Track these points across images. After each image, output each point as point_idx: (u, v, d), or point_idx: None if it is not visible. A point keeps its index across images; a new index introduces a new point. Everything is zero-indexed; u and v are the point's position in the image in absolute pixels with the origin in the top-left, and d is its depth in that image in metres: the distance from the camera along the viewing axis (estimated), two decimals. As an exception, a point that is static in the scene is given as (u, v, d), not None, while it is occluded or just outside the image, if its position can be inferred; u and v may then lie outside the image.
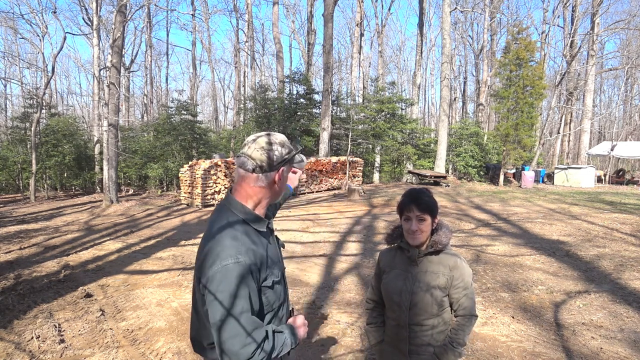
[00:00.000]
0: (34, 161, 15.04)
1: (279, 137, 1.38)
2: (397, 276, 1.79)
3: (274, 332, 1.33)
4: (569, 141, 29.98)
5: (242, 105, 23.65)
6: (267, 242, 1.40)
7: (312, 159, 15.59)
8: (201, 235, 1.47)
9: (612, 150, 20.76)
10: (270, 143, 1.34)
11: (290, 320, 1.47)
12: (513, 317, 3.98)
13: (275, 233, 1.59)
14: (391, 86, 22.80)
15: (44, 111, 18.18)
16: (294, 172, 1.39)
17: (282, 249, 1.58)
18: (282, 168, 1.37)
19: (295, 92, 22.59)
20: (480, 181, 19.99)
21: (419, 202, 1.70)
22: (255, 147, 1.34)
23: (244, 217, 1.34)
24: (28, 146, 17.16)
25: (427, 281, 1.71)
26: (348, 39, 42.49)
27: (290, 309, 1.55)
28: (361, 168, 17.67)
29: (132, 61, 28.06)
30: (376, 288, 1.92)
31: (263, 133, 1.39)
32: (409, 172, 20.13)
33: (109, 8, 21.53)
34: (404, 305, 1.73)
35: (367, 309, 1.99)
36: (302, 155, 1.45)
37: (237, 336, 1.23)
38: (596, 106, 37.85)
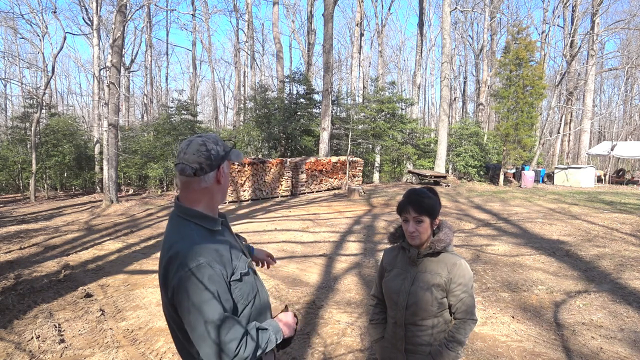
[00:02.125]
0: (34, 161, 15.05)
1: (211, 136, 1.39)
2: (397, 276, 1.80)
3: (258, 329, 1.33)
4: (569, 141, 29.97)
5: (242, 105, 23.66)
6: (225, 239, 1.40)
7: (312, 159, 15.59)
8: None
9: (612, 150, 20.76)
10: (204, 144, 1.35)
11: (280, 315, 1.47)
12: (513, 317, 3.98)
13: (236, 231, 1.62)
14: (391, 86, 22.81)
15: (44, 111, 18.20)
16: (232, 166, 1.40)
17: (244, 242, 1.61)
18: (221, 165, 1.38)
19: (295, 92, 22.59)
20: (480, 181, 19.99)
21: (416, 203, 1.69)
22: (191, 151, 1.34)
23: (197, 220, 1.35)
24: (28, 146, 17.18)
25: (426, 281, 1.71)
26: (348, 39, 42.55)
27: (284, 305, 1.55)
28: (361, 168, 17.66)
29: (132, 61, 28.07)
30: (379, 286, 1.95)
31: (195, 136, 1.39)
32: (409, 172, 20.13)
33: (109, 8, 21.56)
34: (401, 305, 1.74)
35: (370, 305, 2.02)
36: (236, 150, 1.46)
37: (216, 338, 1.22)
38: (596, 106, 37.85)
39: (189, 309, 1.23)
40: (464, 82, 38.72)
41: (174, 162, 1.33)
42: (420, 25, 24.51)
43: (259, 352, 1.29)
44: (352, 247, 6.88)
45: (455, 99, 36.39)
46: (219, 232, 1.40)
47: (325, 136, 17.35)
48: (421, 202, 1.70)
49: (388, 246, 1.95)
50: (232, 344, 1.22)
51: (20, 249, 6.97)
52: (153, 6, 24.85)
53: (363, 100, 25.45)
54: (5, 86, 31.47)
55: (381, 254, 6.25)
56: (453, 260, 1.72)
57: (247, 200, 13.28)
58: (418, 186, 1.89)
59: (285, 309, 1.56)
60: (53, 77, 20.48)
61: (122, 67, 17.32)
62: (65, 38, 16.26)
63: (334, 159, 16.42)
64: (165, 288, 1.30)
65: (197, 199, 1.37)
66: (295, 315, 1.51)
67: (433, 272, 1.72)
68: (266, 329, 1.35)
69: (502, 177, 18.61)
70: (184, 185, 1.37)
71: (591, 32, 23.07)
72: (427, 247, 1.74)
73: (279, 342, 1.38)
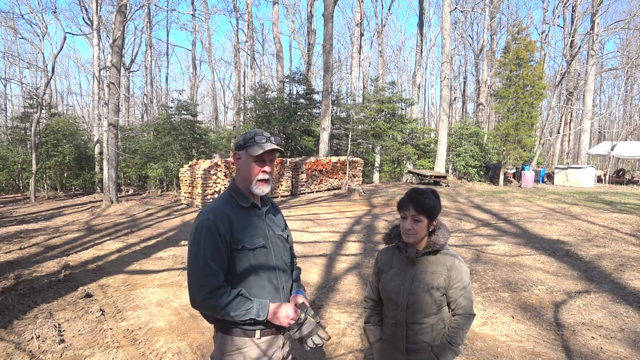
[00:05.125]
0: (34, 161, 15.03)
1: (251, 131, 1.67)
2: (395, 275, 1.80)
3: (241, 294, 1.53)
4: (569, 141, 29.96)
5: (242, 105, 23.64)
6: (247, 216, 1.63)
7: (312, 159, 15.58)
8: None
9: (612, 150, 20.76)
10: (241, 135, 1.69)
11: (280, 304, 1.61)
12: (513, 317, 3.98)
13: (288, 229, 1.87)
14: (391, 86, 22.80)
15: (44, 111, 18.18)
16: (257, 159, 1.62)
17: (283, 236, 1.79)
18: (235, 151, 1.68)
19: (295, 92, 22.58)
20: (480, 181, 19.98)
21: (416, 202, 1.71)
22: None
23: (233, 192, 1.67)
24: (28, 146, 17.16)
25: (425, 281, 1.73)
26: (348, 39, 42.50)
27: (309, 312, 1.65)
28: (361, 168, 17.66)
29: (132, 61, 28.05)
30: (374, 287, 1.94)
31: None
32: (409, 172, 20.13)
33: (109, 8, 21.55)
34: (402, 304, 1.75)
35: (365, 307, 2.00)
36: (258, 145, 1.64)
37: (195, 278, 1.49)
38: (596, 106, 37.83)
39: (189, 247, 1.55)
40: (464, 82, 38.72)
41: None
42: (420, 25, 24.51)
43: (231, 313, 1.49)
44: (352, 247, 6.88)
45: (455, 99, 36.37)
46: (245, 208, 1.64)
47: (325, 136, 17.34)
48: (422, 201, 1.71)
49: (384, 246, 1.96)
50: (205, 288, 1.47)
51: (20, 249, 6.97)
52: (153, 6, 24.85)
53: (363, 100, 25.44)
54: (5, 86, 31.48)
55: (381, 254, 6.26)
56: (451, 260, 1.75)
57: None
58: (422, 186, 1.90)
59: (302, 305, 1.66)
60: (53, 77, 20.47)
61: (122, 67, 17.31)
62: (65, 38, 16.25)
63: (334, 159, 16.41)
64: None
65: (236, 175, 1.71)
66: (296, 311, 1.62)
67: (432, 271, 1.73)
68: (251, 300, 1.54)
69: (502, 177, 18.61)
70: None
71: (591, 32, 23.07)
72: (425, 246, 1.76)
73: (261, 319, 1.55)
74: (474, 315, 1.79)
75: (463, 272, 1.75)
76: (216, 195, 12.20)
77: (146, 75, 30.88)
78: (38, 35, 19.13)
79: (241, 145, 1.65)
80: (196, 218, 1.58)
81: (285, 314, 1.58)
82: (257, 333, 1.57)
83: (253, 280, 1.59)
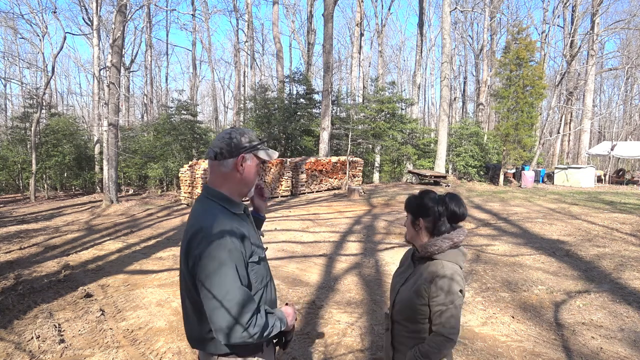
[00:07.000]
0: (34, 161, 15.04)
1: (241, 129, 1.49)
2: (399, 274, 1.87)
3: (266, 311, 1.41)
4: (569, 141, 29.97)
5: (242, 105, 23.64)
6: (245, 223, 1.47)
7: (312, 159, 15.58)
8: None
9: (612, 150, 20.75)
10: (229, 133, 1.46)
11: (283, 308, 1.54)
12: (513, 317, 3.98)
13: (262, 230, 1.80)
14: (391, 86, 22.79)
15: (44, 111, 18.19)
16: (263, 163, 1.50)
17: (261, 236, 1.72)
18: (241, 154, 1.44)
19: (295, 92, 22.58)
20: (480, 181, 19.98)
21: (406, 202, 1.80)
22: (218, 138, 1.46)
23: (220, 201, 1.43)
24: (28, 146, 17.17)
25: (413, 285, 1.69)
26: (348, 39, 42.50)
27: (285, 303, 1.63)
28: (361, 168, 17.66)
29: (132, 61, 28.06)
30: None
31: (228, 128, 1.51)
32: (409, 172, 20.12)
33: (109, 8, 21.53)
34: (391, 300, 1.82)
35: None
36: (269, 151, 1.54)
37: (232, 305, 1.27)
38: (596, 106, 37.84)
39: (209, 277, 1.28)
40: (464, 82, 38.75)
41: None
42: (420, 25, 24.51)
43: (265, 333, 1.34)
44: (352, 247, 6.88)
45: (455, 99, 36.37)
46: (240, 215, 1.46)
47: (325, 136, 17.34)
48: (410, 199, 1.78)
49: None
50: (246, 315, 1.29)
51: (20, 249, 6.97)
52: (153, 6, 24.85)
53: (363, 100, 25.44)
54: (5, 86, 31.49)
55: (381, 254, 6.28)
56: (437, 270, 1.63)
57: (247, 200, 13.28)
58: (419, 187, 1.92)
59: (286, 305, 1.63)
60: (53, 77, 20.48)
61: (122, 67, 17.31)
62: (65, 38, 16.25)
63: (334, 159, 16.41)
64: (186, 258, 1.36)
65: (220, 182, 1.46)
66: (294, 312, 1.57)
67: (421, 278, 1.67)
68: (273, 313, 1.43)
69: (502, 177, 18.60)
70: (210, 168, 1.48)
71: (591, 32, 23.07)
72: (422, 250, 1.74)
73: (282, 329, 1.44)
74: (449, 340, 1.57)
75: (444, 287, 1.57)
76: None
77: (146, 75, 30.89)
78: (38, 35, 19.15)
79: (247, 147, 1.44)
80: (200, 239, 1.31)
81: (290, 313, 1.53)
82: (263, 345, 1.46)
83: (266, 292, 1.47)
